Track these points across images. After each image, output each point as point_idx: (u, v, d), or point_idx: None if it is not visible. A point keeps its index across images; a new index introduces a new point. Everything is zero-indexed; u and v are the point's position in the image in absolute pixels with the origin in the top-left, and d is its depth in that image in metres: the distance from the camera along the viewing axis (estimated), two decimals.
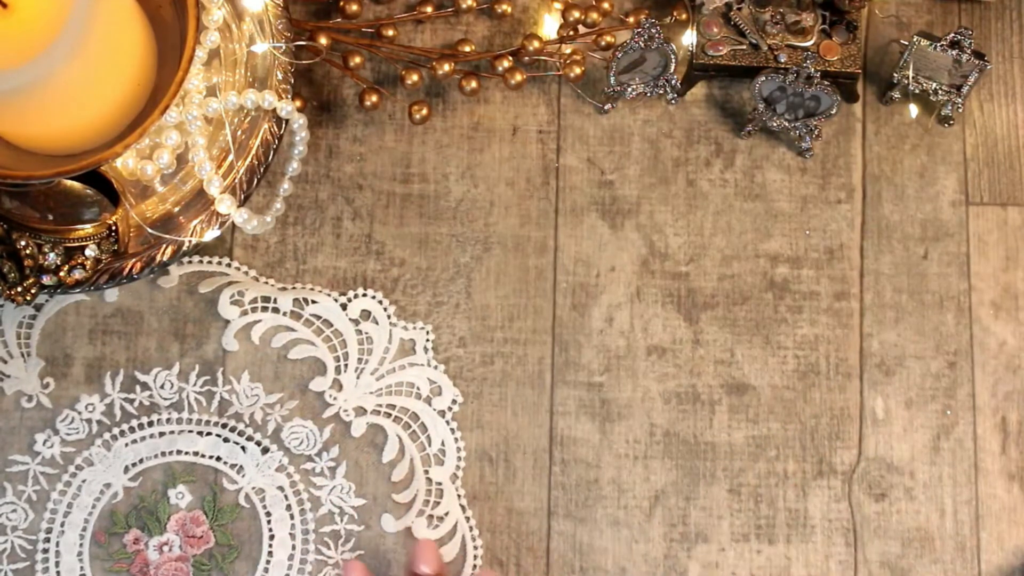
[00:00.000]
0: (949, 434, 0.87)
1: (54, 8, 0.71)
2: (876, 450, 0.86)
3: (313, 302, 0.86)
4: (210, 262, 0.87)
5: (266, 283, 0.87)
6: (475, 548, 0.85)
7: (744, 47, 0.89)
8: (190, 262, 0.87)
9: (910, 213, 0.90)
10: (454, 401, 0.86)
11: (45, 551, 0.84)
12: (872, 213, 0.90)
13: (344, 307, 0.87)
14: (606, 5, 0.89)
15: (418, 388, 0.86)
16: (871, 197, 0.90)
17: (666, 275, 0.88)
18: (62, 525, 0.84)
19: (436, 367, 0.87)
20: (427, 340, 0.87)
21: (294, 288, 0.87)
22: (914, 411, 0.87)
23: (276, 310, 0.86)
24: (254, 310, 0.86)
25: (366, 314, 0.87)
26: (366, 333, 0.87)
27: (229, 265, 0.87)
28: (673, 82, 0.88)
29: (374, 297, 0.87)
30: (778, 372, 0.87)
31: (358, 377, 0.86)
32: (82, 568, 0.83)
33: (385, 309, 0.87)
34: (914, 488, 0.86)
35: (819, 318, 0.88)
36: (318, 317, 0.86)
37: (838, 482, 0.86)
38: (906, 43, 0.88)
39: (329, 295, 0.87)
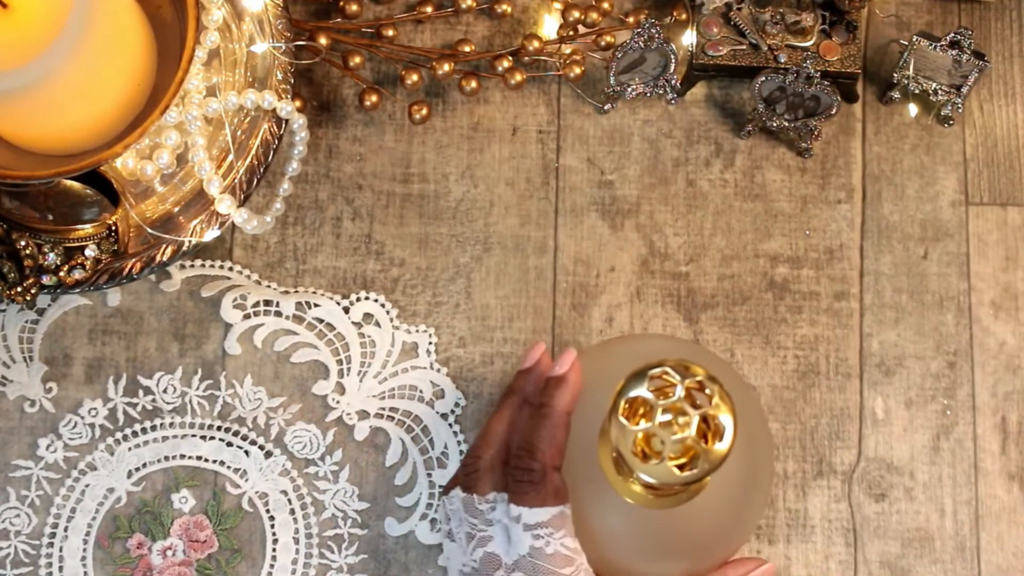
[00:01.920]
0: (949, 434, 0.87)
1: (54, 8, 0.71)
2: (876, 450, 0.87)
3: (316, 305, 0.86)
4: (212, 266, 0.87)
5: (268, 287, 0.87)
6: None
7: (744, 47, 0.89)
8: (192, 266, 0.87)
9: (910, 213, 0.90)
10: (457, 404, 0.86)
11: (48, 556, 0.83)
12: (872, 213, 0.90)
13: (347, 310, 0.86)
14: (606, 5, 0.89)
15: (421, 391, 0.86)
16: (871, 197, 0.90)
17: (666, 275, 0.88)
18: (65, 530, 0.84)
19: (439, 370, 0.86)
20: (430, 343, 0.87)
21: (296, 291, 0.87)
22: (914, 411, 0.87)
23: (279, 314, 0.86)
24: (256, 314, 0.86)
25: (369, 317, 0.87)
26: (369, 336, 0.86)
27: (231, 269, 0.87)
28: (673, 82, 0.87)
29: (376, 300, 0.87)
30: (778, 372, 0.87)
31: (361, 380, 0.86)
32: (86, 572, 0.83)
33: (388, 312, 0.87)
34: (914, 488, 0.86)
35: (819, 318, 0.88)
36: (321, 320, 0.86)
37: (838, 482, 0.86)
38: (906, 43, 0.88)
39: (331, 298, 0.87)
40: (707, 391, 0.67)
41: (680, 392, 0.68)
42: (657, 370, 0.68)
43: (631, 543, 0.75)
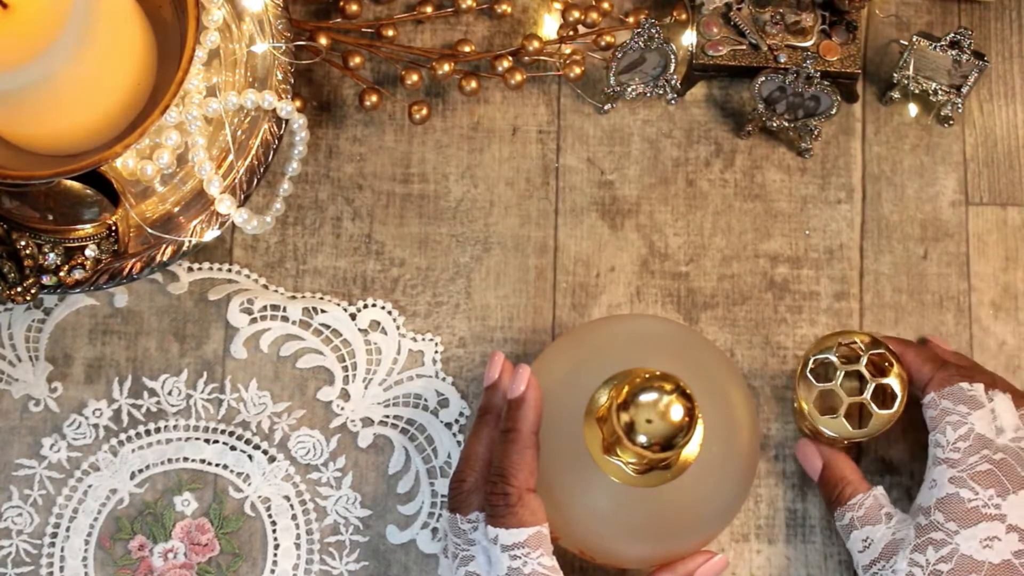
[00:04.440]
0: None
1: (54, 8, 0.70)
2: (876, 450, 0.87)
3: (322, 311, 0.86)
4: (219, 269, 0.87)
5: (275, 291, 0.87)
6: None
7: (744, 47, 0.89)
8: (200, 268, 0.87)
9: (910, 213, 0.90)
10: (461, 414, 0.86)
11: (50, 555, 0.83)
12: (872, 213, 0.90)
13: (353, 317, 0.86)
14: (606, 5, 0.89)
15: (425, 400, 0.86)
16: (871, 197, 0.90)
17: (666, 275, 0.88)
18: (67, 530, 0.84)
19: (444, 379, 0.86)
20: (436, 352, 0.87)
21: (303, 297, 0.87)
22: (914, 411, 0.87)
23: (285, 319, 0.86)
24: (263, 318, 0.86)
25: (375, 324, 0.87)
26: (375, 343, 0.86)
27: (239, 272, 0.87)
28: (673, 82, 0.87)
29: (383, 307, 0.87)
30: (778, 372, 0.87)
31: (366, 387, 0.86)
32: (87, 573, 0.83)
33: (395, 320, 0.87)
34: (914, 488, 0.86)
35: (819, 318, 0.88)
36: (327, 327, 0.86)
37: None
38: (906, 43, 0.89)
39: (338, 304, 0.86)
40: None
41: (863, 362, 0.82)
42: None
43: (615, 523, 0.76)
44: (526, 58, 0.88)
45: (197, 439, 0.85)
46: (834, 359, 0.83)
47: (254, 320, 0.86)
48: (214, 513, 0.84)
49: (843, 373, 0.82)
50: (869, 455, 0.86)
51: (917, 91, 0.88)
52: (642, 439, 0.69)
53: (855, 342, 0.82)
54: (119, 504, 0.84)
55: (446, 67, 0.86)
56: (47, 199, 0.79)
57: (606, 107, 0.90)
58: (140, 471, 0.84)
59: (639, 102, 0.90)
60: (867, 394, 0.82)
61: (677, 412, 0.69)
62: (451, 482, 0.77)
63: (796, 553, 0.85)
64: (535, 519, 0.73)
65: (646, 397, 0.69)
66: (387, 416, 0.86)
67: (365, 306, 0.87)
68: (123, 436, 0.85)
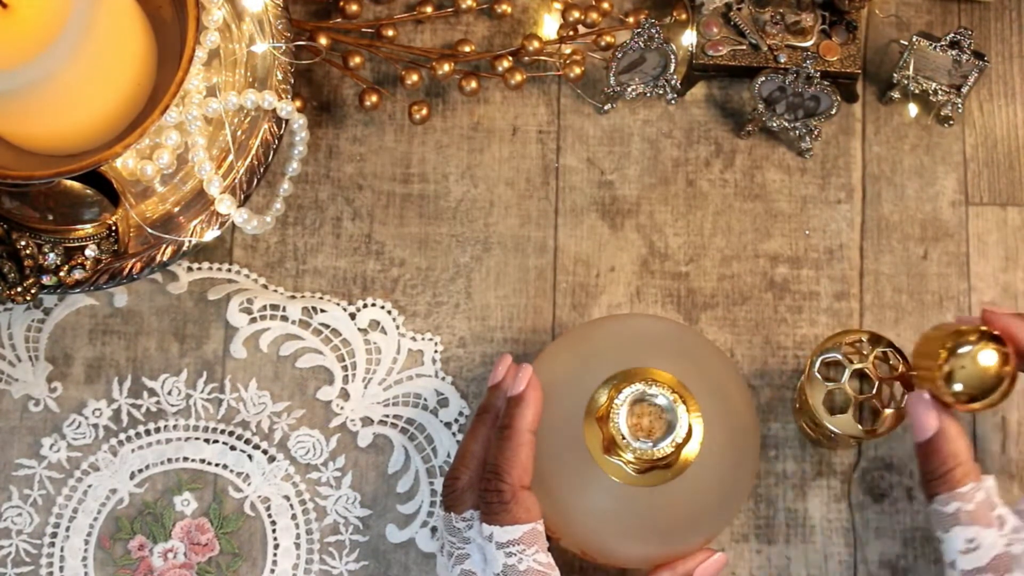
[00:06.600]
0: None
1: (54, 8, 0.70)
2: (876, 450, 0.87)
3: (322, 311, 0.86)
4: (219, 269, 0.87)
5: (275, 291, 0.87)
6: None
7: (744, 47, 0.89)
8: (199, 268, 0.87)
9: (910, 213, 0.90)
10: (461, 413, 0.86)
11: (49, 555, 0.83)
12: (872, 213, 0.90)
13: (353, 316, 0.86)
14: (606, 5, 0.89)
15: (425, 399, 0.86)
16: (871, 197, 0.90)
17: (666, 275, 0.88)
18: (67, 530, 0.84)
19: (444, 379, 0.86)
20: (435, 351, 0.87)
21: (303, 296, 0.87)
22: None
23: (284, 318, 0.86)
24: (263, 318, 0.86)
25: (375, 324, 0.87)
26: (374, 343, 0.86)
27: (238, 272, 0.87)
28: (673, 82, 0.87)
29: (383, 307, 0.87)
30: (778, 372, 0.87)
31: (365, 387, 0.86)
32: (86, 573, 0.83)
33: (394, 319, 0.87)
34: (914, 488, 0.86)
35: (819, 318, 0.88)
36: (327, 326, 0.86)
37: (837, 482, 0.86)
38: (906, 43, 0.89)
39: (338, 304, 0.87)
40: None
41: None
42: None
43: (615, 523, 0.76)
44: (526, 58, 0.88)
45: (197, 439, 0.85)
46: (841, 358, 0.83)
47: (254, 320, 0.86)
48: (214, 513, 0.84)
49: (850, 372, 0.83)
50: (869, 454, 0.86)
51: (917, 91, 0.88)
52: None
53: (860, 341, 0.83)
54: (119, 504, 0.84)
55: (446, 67, 0.86)
56: (47, 199, 0.79)
57: (606, 107, 0.90)
58: (140, 471, 0.84)
59: (639, 102, 0.90)
60: (875, 393, 0.83)
61: None
62: (445, 480, 0.77)
63: (796, 553, 0.85)
64: (529, 516, 0.73)
65: None
66: (387, 416, 0.86)
67: (365, 306, 0.87)
68: (123, 436, 0.85)
